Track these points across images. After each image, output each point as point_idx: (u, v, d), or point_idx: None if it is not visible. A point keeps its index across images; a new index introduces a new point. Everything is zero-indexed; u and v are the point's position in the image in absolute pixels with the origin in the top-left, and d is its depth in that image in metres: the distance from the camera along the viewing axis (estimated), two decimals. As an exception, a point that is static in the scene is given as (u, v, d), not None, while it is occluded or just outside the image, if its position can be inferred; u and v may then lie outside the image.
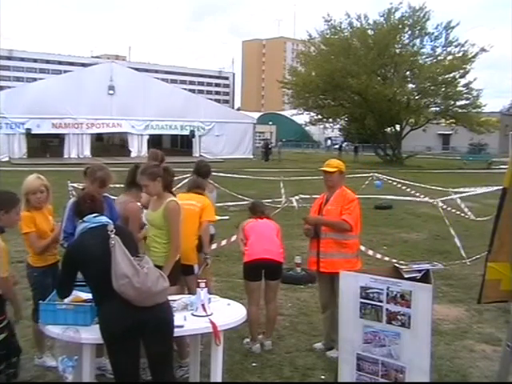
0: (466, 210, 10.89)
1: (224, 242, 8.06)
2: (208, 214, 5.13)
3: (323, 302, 5.21)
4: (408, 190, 13.37)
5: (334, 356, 4.66)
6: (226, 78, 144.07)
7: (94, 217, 3.44)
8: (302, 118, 49.78)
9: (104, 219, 3.46)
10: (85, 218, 3.45)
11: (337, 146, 50.81)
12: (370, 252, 7.96)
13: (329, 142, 60.16)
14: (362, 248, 8.33)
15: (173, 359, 3.56)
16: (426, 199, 11.38)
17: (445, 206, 10.38)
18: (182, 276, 5.10)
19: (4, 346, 3.46)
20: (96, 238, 3.33)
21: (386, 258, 8.08)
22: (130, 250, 3.29)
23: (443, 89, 37.82)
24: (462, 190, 12.17)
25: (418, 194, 12.57)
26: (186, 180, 11.69)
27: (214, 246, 7.40)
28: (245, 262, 5.12)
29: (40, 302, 3.69)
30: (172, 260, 4.35)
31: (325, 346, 5.12)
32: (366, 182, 15.28)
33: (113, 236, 3.27)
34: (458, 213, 11.06)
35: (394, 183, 13.68)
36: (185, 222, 4.91)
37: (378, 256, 8.03)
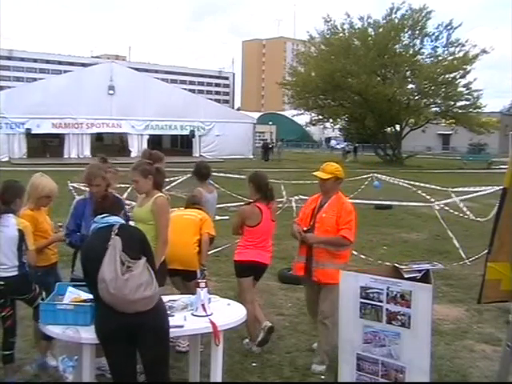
0: (464, 209, 10.87)
1: (225, 243, 8.08)
2: (208, 226, 5.15)
3: (312, 308, 5.04)
4: (408, 190, 13.36)
5: (317, 370, 4.66)
6: (226, 78, 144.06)
7: (103, 217, 3.45)
8: (302, 117, 49.80)
9: (112, 219, 3.45)
10: (95, 219, 3.48)
11: (338, 146, 50.61)
12: (362, 256, 7.91)
13: (333, 142, 58.77)
14: (357, 253, 8.33)
15: (168, 362, 3.52)
16: (423, 204, 11.36)
17: (444, 208, 10.37)
18: (182, 281, 5.13)
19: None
20: (100, 238, 3.33)
21: (379, 261, 8.07)
22: (130, 250, 3.26)
23: (443, 89, 37.85)
24: (461, 190, 12.13)
25: (420, 193, 12.53)
26: (186, 179, 11.73)
27: (219, 248, 7.44)
28: (236, 260, 5.08)
29: (40, 301, 3.70)
30: (160, 254, 4.31)
31: None
32: (366, 183, 15.28)
33: (113, 237, 3.25)
34: (457, 213, 11.06)
35: (395, 183, 13.66)
36: (186, 230, 5.00)
37: (371, 259, 8.00)
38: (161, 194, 4.52)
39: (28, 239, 4.11)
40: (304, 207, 4.99)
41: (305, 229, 4.68)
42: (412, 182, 13.27)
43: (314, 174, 4.76)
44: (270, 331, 5.00)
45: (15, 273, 4.04)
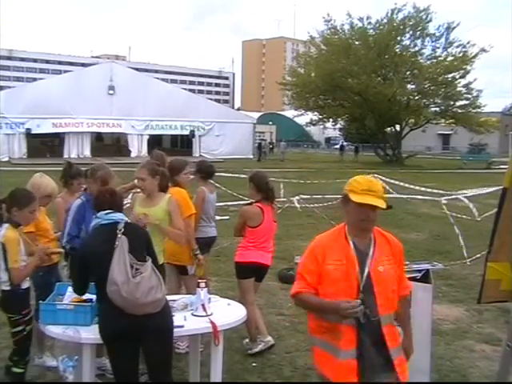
0: (471, 207, 10.82)
1: (225, 243, 8.08)
2: (184, 210, 4.78)
3: None
4: (408, 190, 13.37)
5: None
6: (226, 78, 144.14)
7: (107, 213, 3.35)
8: (302, 117, 49.78)
9: (117, 216, 3.37)
10: (98, 214, 3.38)
11: (337, 147, 50.15)
12: None
13: (342, 142, 55.75)
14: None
15: (171, 362, 3.53)
16: (430, 198, 11.37)
17: (447, 206, 10.39)
18: (179, 276, 5.11)
19: (28, 337, 3.80)
20: (104, 235, 3.27)
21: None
22: (136, 251, 3.24)
23: (443, 89, 37.90)
24: (462, 191, 12.14)
25: (419, 197, 12.58)
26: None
27: (216, 247, 7.43)
28: (237, 261, 5.02)
29: (40, 302, 3.70)
30: (176, 236, 4.42)
31: None
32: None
33: (119, 236, 3.21)
34: (457, 213, 11.06)
35: (394, 185, 13.66)
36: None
37: None
38: (169, 194, 4.54)
39: (10, 255, 3.63)
40: (312, 262, 2.79)
41: (358, 302, 2.60)
42: (412, 186, 13.26)
43: (366, 201, 2.74)
44: (270, 348, 4.97)
45: (7, 288, 3.71)
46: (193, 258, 4.96)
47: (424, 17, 38.12)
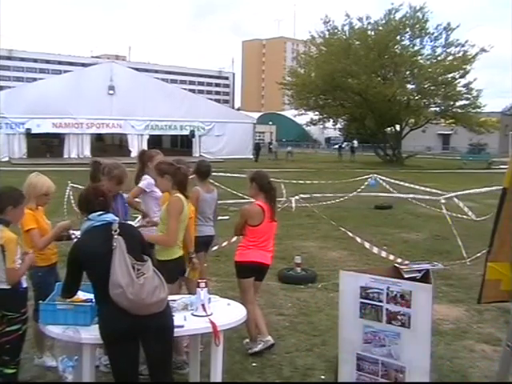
0: (466, 209, 10.86)
1: (225, 243, 8.08)
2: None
3: None
4: (408, 190, 13.37)
5: None
6: (226, 78, 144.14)
7: (99, 215, 3.33)
8: (302, 117, 49.77)
9: (110, 217, 3.35)
10: (90, 216, 3.35)
11: (337, 147, 49.61)
12: (375, 250, 7.98)
13: (355, 143, 50.38)
14: (367, 245, 8.37)
15: (171, 362, 3.54)
16: (429, 197, 11.36)
17: (447, 206, 10.39)
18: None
19: (23, 337, 3.83)
20: (99, 237, 3.25)
21: (391, 257, 8.06)
22: (134, 251, 3.23)
23: (443, 89, 37.91)
24: (462, 192, 12.11)
25: (419, 197, 12.60)
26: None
27: (215, 248, 7.45)
28: (237, 260, 5.02)
29: (40, 302, 3.70)
30: (156, 240, 4.41)
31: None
32: (366, 183, 15.28)
33: (116, 237, 3.19)
34: (457, 213, 11.06)
35: (393, 185, 13.66)
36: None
37: (383, 254, 8.05)
38: (177, 194, 4.48)
39: (8, 255, 3.61)
40: None
41: None
42: (412, 186, 13.25)
43: None
44: (270, 347, 4.98)
45: (7, 287, 3.68)
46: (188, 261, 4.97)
47: (420, 16, 38.12)
